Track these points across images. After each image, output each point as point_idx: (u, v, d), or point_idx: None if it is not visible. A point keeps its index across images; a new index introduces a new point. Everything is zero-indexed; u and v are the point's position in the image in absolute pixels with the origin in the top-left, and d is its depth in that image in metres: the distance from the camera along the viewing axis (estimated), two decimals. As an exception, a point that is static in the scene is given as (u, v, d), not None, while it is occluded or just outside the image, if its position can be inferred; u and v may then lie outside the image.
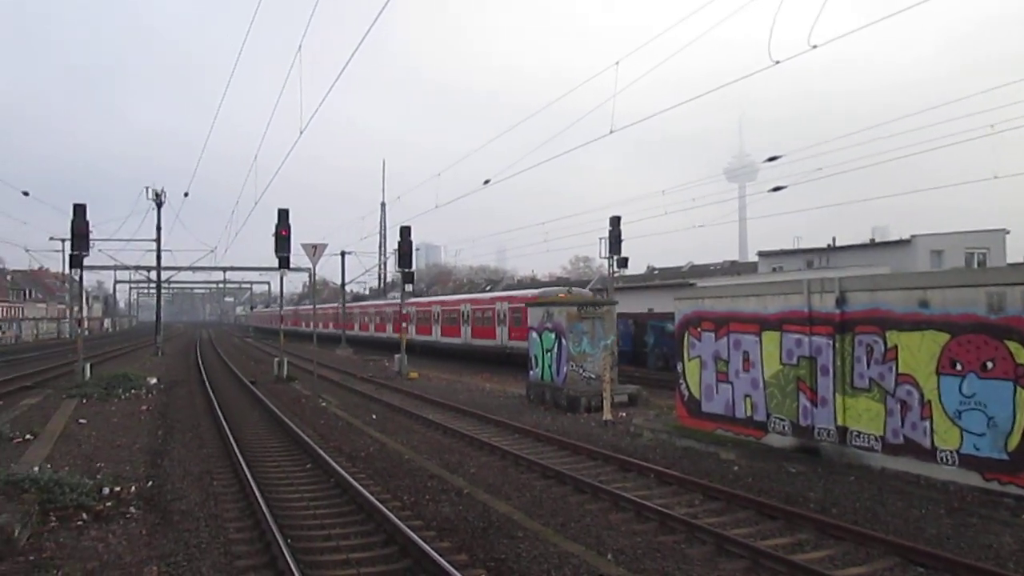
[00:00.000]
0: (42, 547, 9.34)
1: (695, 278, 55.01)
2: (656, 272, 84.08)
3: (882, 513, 10.50)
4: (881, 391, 12.61)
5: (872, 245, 50.89)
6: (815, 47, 13.32)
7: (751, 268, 64.43)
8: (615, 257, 39.81)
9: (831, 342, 13.54)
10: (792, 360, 14.35)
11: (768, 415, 14.86)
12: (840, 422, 13.30)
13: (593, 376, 21.64)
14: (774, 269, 52.39)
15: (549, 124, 29.11)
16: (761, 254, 59.91)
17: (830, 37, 14.00)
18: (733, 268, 72.73)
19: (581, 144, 25.25)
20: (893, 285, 13.01)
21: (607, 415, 19.20)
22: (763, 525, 10.37)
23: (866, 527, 9.74)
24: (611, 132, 19.99)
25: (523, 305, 33.35)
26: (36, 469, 12.49)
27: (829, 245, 52.11)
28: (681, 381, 17.35)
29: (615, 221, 39.36)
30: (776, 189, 29.37)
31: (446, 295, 59.28)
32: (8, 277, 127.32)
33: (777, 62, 14.13)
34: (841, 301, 13.40)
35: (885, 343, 12.60)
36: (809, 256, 52.36)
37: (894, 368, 12.42)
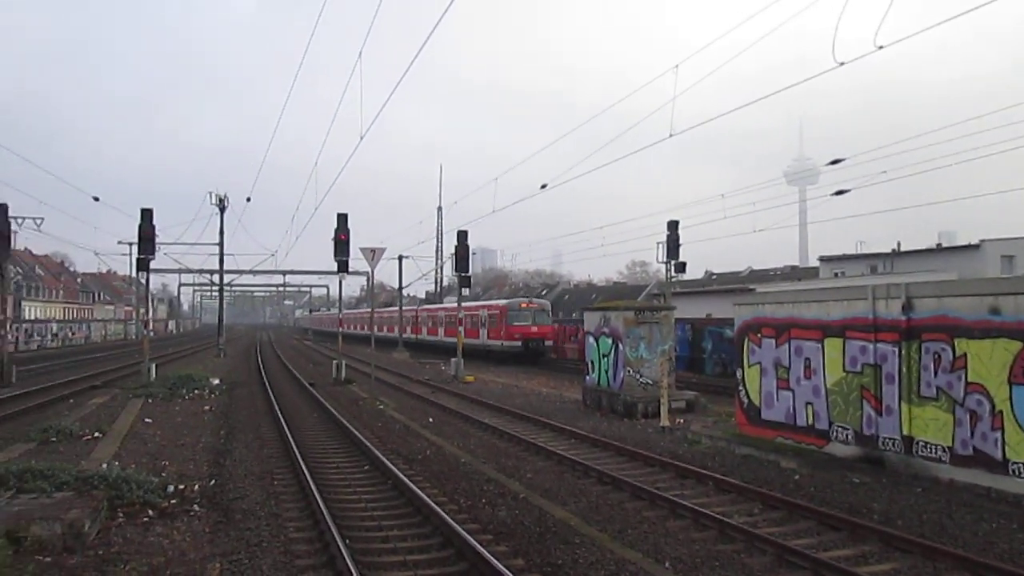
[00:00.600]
0: (110, 542, 9.60)
1: (755, 283, 54.34)
2: (714, 277, 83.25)
3: (950, 526, 10.19)
4: (949, 400, 12.25)
5: (939, 250, 49.69)
6: (881, 47, 12.97)
7: (812, 273, 63.48)
8: (673, 262, 39.47)
9: (897, 349, 13.19)
10: (856, 367, 14.03)
11: (830, 423, 14.55)
12: (906, 432, 12.94)
13: (650, 382, 21.44)
14: (836, 274, 51.48)
15: (607, 128, 28.98)
16: (823, 259, 58.92)
17: (897, 37, 13.61)
18: (794, 273, 71.81)
19: (640, 148, 25.09)
20: (962, 291, 12.63)
21: (664, 421, 19.00)
22: (825, 536, 10.14)
23: (934, 540, 9.45)
24: (670, 135, 19.81)
25: (497, 312, 45.74)
26: (104, 466, 12.87)
27: (894, 250, 51.01)
28: (740, 388, 17.10)
29: (673, 225, 39.04)
30: (839, 193, 28.86)
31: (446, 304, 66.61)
32: (78, 280, 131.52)
33: (841, 63, 13.81)
34: (907, 307, 13.05)
35: (954, 351, 12.23)
36: (873, 261, 51.31)
37: (963, 377, 12.05)
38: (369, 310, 64.38)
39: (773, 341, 16.08)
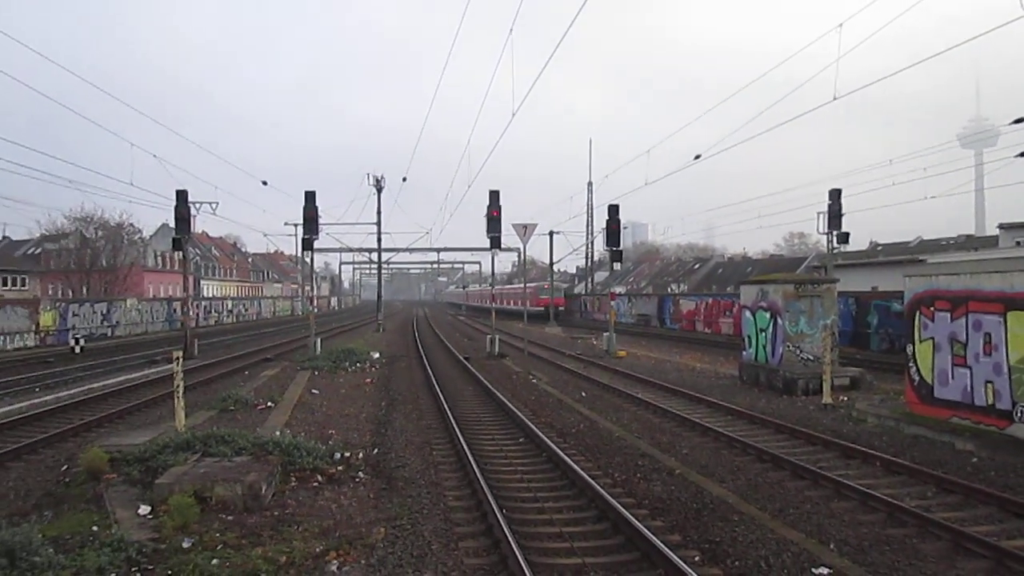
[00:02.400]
0: (285, 504, 10.22)
1: (925, 254, 51.25)
2: (880, 248, 79.11)
3: None
4: None
5: None
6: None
7: (991, 242, 59.25)
8: (835, 232, 37.67)
9: (1092, 324, 12.06)
10: (1043, 343, 12.92)
11: (1014, 403, 13.47)
12: (1102, 413, 11.84)
13: (811, 357, 20.63)
14: (1018, 243, 47.80)
15: (765, 94, 27.94)
16: (1003, 227, 54.89)
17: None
18: (969, 243, 67.24)
19: (801, 113, 24.07)
20: None
21: (827, 398, 18.25)
22: (1008, 523, 9.45)
23: None
24: (834, 99, 18.85)
25: (531, 290, 71.87)
26: (278, 433, 13.70)
27: (1086, 216, 46.77)
28: (911, 364, 16.14)
29: (835, 194, 37.22)
30: (1024, 155, 26.65)
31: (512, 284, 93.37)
32: (249, 260, 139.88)
33: (1028, 12, 12.64)
34: (1105, 278, 11.89)
35: None
36: (1062, 229, 47.28)
37: None
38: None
39: (948, 315, 15.07)
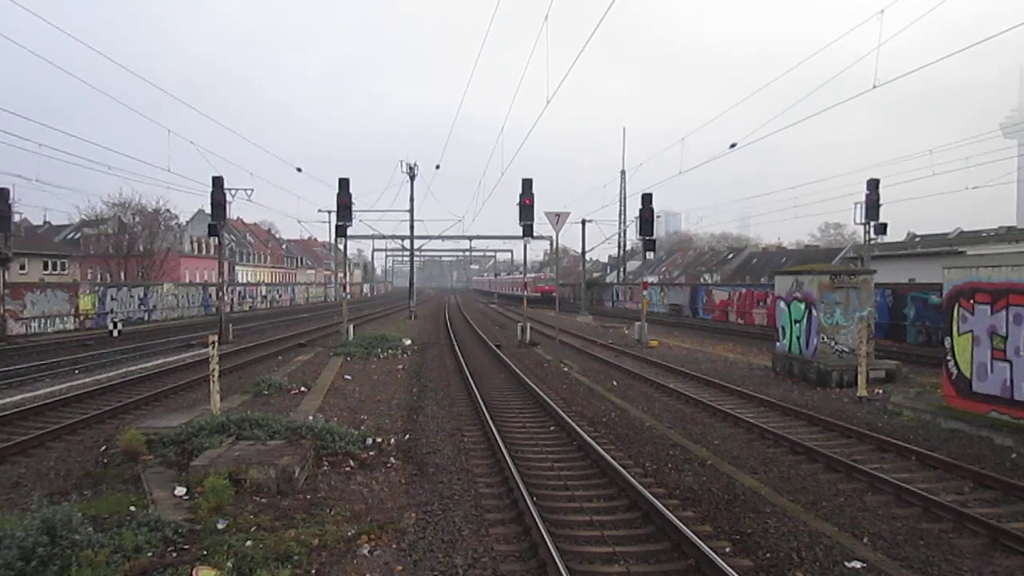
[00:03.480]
0: (317, 488, 10.33)
1: (964, 245, 50.41)
2: (918, 239, 77.87)
3: None
4: None
5: None
6: None
7: (1033, 235, 58.03)
8: (872, 223, 37.12)
9: None
10: (1087, 337, 12.65)
11: (1055, 398, 13.23)
12: None
13: (846, 349, 20.39)
14: (1061, 236, 46.77)
15: (803, 82, 27.52)
16: (1045, 219, 53.79)
17: None
18: (1011, 234, 65.92)
19: (839, 102, 23.72)
20: None
21: (861, 391, 18.03)
22: (1049, 520, 9.29)
23: None
24: (874, 87, 18.54)
25: (531, 279, 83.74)
26: (311, 418, 13.83)
27: None
28: (949, 358, 15.89)
29: (873, 184, 36.67)
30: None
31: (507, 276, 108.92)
32: (283, 246, 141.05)
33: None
34: None
35: None
36: (1107, 221, 46.23)
37: None
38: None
39: (988, 308, 14.80)
